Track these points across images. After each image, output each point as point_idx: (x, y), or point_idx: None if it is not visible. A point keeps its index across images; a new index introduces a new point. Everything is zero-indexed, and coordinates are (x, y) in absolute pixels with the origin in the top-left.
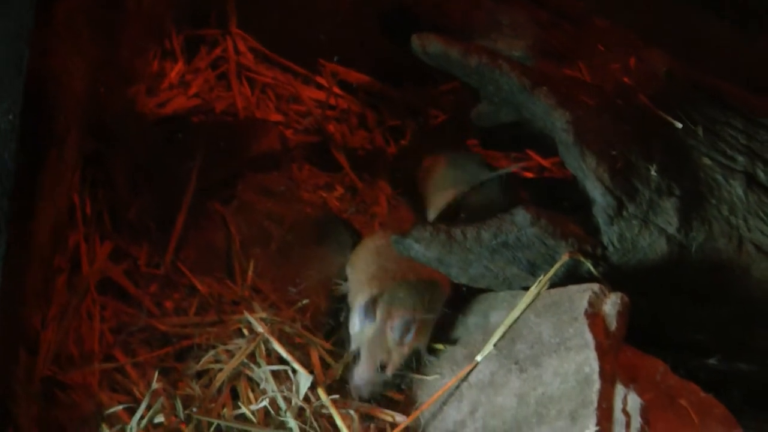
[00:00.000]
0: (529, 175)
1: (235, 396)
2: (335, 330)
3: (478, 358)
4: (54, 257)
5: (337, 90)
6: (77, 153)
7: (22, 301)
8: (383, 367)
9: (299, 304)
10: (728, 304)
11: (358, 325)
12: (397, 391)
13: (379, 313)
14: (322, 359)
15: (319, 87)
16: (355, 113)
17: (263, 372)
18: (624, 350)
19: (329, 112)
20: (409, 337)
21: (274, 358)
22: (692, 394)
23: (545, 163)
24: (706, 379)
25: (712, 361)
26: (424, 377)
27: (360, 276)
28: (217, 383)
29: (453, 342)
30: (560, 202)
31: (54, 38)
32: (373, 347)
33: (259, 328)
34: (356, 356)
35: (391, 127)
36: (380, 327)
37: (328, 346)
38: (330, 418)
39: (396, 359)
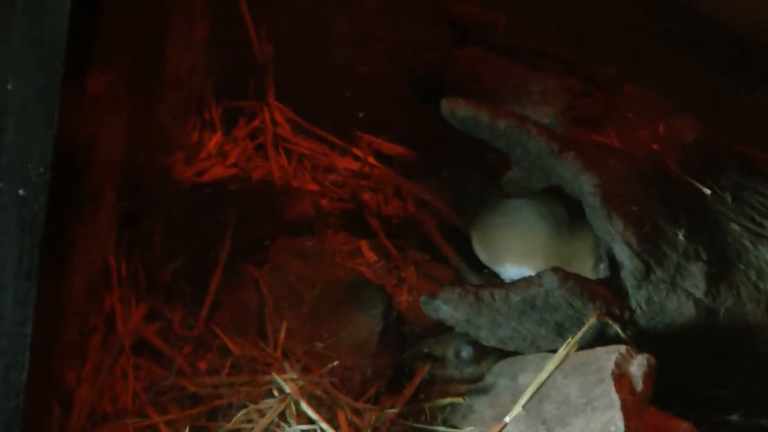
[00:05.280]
0: None
1: None
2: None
3: (507, 419)
4: (89, 316)
5: (372, 160)
6: (112, 214)
7: (57, 356)
8: None
9: (330, 365)
10: (752, 360)
11: None
12: None
13: None
14: (350, 420)
15: (356, 158)
16: (390, 182)
17: (293, 431)
18: (649, 410)
19: (364, 182)
20: None
21: (304, 418)
22: None
23: None
24: None
25: (734, 417)
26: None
27: None
28: None
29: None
30: None
31: (89, 98)
32: None
33: (288, 389)
34: None
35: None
36: None
37: (357, 405)
38: None
39: None
